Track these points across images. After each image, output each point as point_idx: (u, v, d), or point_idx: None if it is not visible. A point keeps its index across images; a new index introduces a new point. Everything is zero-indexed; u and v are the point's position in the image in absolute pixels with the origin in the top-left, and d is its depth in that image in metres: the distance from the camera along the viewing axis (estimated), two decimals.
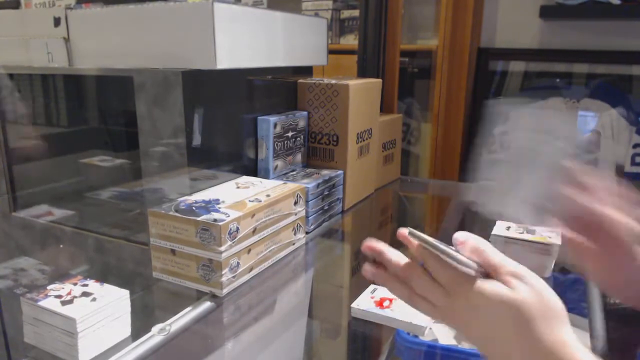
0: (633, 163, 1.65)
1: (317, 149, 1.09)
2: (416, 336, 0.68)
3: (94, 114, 1.00)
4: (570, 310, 0.78)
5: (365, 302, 0.73)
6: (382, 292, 0.76)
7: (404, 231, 0.48)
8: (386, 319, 0.70)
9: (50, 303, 0.62)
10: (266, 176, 0.97)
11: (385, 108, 1.44)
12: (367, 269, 0.51)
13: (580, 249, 0.53)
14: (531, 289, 0.42)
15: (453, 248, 0.46)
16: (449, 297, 0.45)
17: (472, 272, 0.44)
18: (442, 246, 0.44)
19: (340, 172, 1.06)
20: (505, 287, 0.42)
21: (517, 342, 0.41)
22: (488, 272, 0.44)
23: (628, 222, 0.51)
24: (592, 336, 0.66)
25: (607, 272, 0.54)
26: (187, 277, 0.73)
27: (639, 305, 0.53)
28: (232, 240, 0.71)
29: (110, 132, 0.99)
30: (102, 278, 0.69)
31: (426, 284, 0.46)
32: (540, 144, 0.46)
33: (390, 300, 0.73)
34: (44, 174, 1.05)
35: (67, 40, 0.90)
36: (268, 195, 0.81)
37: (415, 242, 0.47)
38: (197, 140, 0.82)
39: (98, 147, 0.97)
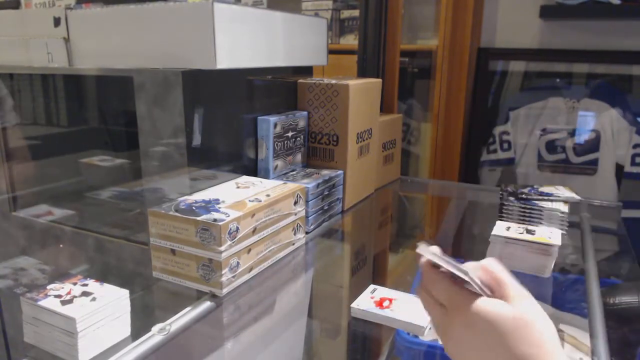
0: (633, 163, 1.65)
1: (317, 149, 1.09)
2: (416, 336, 0.68)
3: (94, 114, 1.00)
4: (570, 310, 0.78)
5: (365, 302, 0.73)
6: (382, 292, 0.76)
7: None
8: (386, 319, 0.70)
9: (50, 303, 0.62)
10: (266, 176, 0.97)
11: (385, 108, 1.44)
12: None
13: None
14: (533, 309, 0.42)
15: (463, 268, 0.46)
16: (446, 316, 0.45)
17: (477, 289, 0.44)
18: (452, 262, 0.45)
19: (340, 172, 1.06)
20: (506, 303, 0.43)
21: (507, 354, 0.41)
22: (493, 289, 0.45)
23: None
24: (592, 336, 0.66)
25: None
26: (187, 276, 0.73)
27: None
28: (232, 240, 0.71)
29: (110, 132, 0.99)
30: (102, 278, 0.69)
31: (426, 303, 0.48)
32: None
33: (390, 300, 0.72)
34: (44, 173, 1.05)
35: (67, 40, 0.90)
36: (268, 195, 0.81)
37: (424, 258, 0.47)
38: (197, 140, 0.82)
39: (98, 147, 0.97)
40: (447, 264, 0.44)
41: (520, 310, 0.42)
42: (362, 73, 1.44)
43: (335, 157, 1.08)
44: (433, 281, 0.47)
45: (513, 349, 0.41)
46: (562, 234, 0.91)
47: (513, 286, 0.44)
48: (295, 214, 0.88)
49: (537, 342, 0.41)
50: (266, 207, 0.78)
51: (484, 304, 0.43)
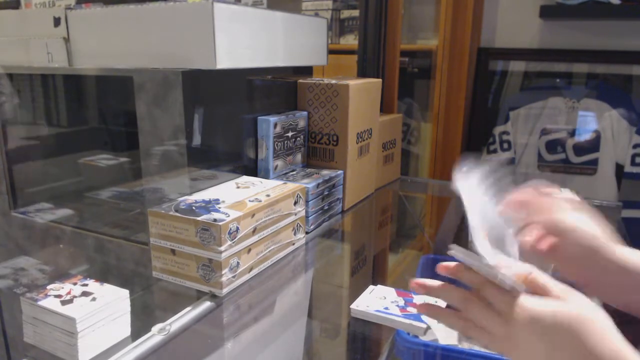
0: (633, 163, 1.65)
1: (317, 149, 1.09)
2: (416, 336, 0.68)
3: (94, 114, 1.00)
4: None
5: (365, 303, 0.73)
6: (381, 292, 0.76)
7: (446, 264, 0.48)
8: (386, 319, 0.70)
9: (50, 303, 0.62)
10: (266, 176, 0.97)
11: (385, 108, 1.44)
12: (419, 305, 0.51)
13: (546, 254, 0.55)
14: (585, 303, 0.42)
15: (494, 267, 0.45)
16: (507, 325, 0.44)
17: (522, 292, 0.43)
18: (488, 266, 0.44)
19: (340, 172, 1.06)
20: (563, 303, 0.42)
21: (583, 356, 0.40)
22: (537, 293, 0.44)
23: (584, 227, 0.53)
24: None
25: (575, 272, 0.54)
26: (187, 276, 0.73)
27: (618, 305, 0.55)
28: (232, 240, 0.71)
29: (110, 132, 0.99)
30: (102, 278, 0.69)
31: (484, 313, 0.46)
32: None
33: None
34: (44, 173, 1.05)
35: (67, 40, 0.90)
36: (268, 195, 0.81)
37: (461, 262, 0.46)
38: (197, 140, 0.82)
39: (98, 147, 0.97)
40: (487, 271, 0.44)
41: (584, 309, 0.41)
42: (362, 73, 1.44)
43: (335, 157, 1.08)
44: (489, 288, 0.45)
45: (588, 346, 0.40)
46: None
47: (556, 284, 0.44)
48: (295, 214, 0.88)
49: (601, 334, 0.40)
50: (266, 207, 0.78)
51: (546, 305, 0.42)
